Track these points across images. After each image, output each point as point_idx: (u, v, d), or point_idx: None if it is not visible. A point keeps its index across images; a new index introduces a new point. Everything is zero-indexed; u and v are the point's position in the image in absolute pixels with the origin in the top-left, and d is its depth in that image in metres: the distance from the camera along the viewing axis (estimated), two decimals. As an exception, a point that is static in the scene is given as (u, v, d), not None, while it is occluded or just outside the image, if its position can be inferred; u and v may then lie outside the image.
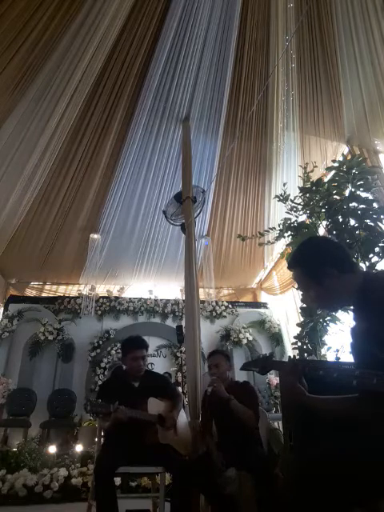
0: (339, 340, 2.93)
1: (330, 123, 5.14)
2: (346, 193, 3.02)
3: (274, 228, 3.44)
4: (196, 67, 4.73)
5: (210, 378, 2.48)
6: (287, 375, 1.30)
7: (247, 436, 2.29)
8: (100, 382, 6.45)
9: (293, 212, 3.31)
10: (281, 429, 2.31)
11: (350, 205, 2.92)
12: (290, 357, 1.46)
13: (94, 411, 2.19)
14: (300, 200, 3.29)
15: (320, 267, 1.29)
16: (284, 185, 3.57)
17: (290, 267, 1.40)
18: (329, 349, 2.98)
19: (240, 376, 2.67)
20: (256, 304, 8.53)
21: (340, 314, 2.84)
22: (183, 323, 3.82)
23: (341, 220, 2.96)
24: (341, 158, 3.19)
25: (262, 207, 6.46)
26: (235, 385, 2.56)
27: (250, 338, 7.52)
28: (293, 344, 3.21)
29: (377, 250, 2.73)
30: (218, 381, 2.39)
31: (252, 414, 2.30)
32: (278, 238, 3.40)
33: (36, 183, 5.44)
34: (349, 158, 3.20)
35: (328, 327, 2.99)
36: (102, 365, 6.78)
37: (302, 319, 3.17)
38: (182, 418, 2.62)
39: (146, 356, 2.58)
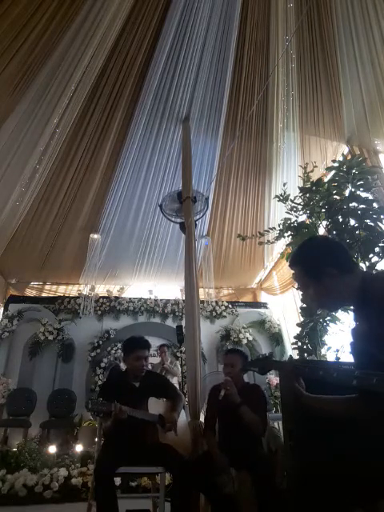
0: (339, 340, 2.93)
1: (330, 123, 5.14)
2: (346, 193, 3.02)
3: (274, 228, 3.44)
4: (196, 67, 4.73)
5: (224, 379, 2.43)
6: (286, 375, 1.31)
7: (248, 436, 2.28)
8: (100, 382, 6.45)
9: (293, 212, 3.31)
10: (281, 429, 2.31)
11: (350, 205, 2.92)
12: (290, 356, 1.48)
13: (95, 409, 2.19)
14: (300, 200, 3.29)
15: (320, 266, 1.29)
16: (284, 185, 3.57)
17: (290, 266, 1.42)
18: (329, 349, 2.97)
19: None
20: (256, 304, 8.53)
21: (340, 314, 2.85)
22: (183, 323, 3.82)
23: (341, 220, 2.96)
24: (341, 158, 3.18)
25: (262, 207, 6.46)
26: (246, 387, 2.54)
27: (250, 338, 7.52)
28: (293, 344, 3.21)
29: (377, 250, 2.73)
30: (231, 384, 2.34)
31: (260, 421, 2.28)
32: (278, 238, 3.40)
33: (36, 183, 5.44)
34: (349, 158, 3.21)
35: (328, 327, 2.99)
36: (102, 365, 6.78)
37: (301, 319, 3.17)
38: (182, 418, 2.62)
39: (148, 356, 2.58)
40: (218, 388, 2.45)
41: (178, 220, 4.41)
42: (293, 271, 1.41)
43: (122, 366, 6.40)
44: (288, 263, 1.46)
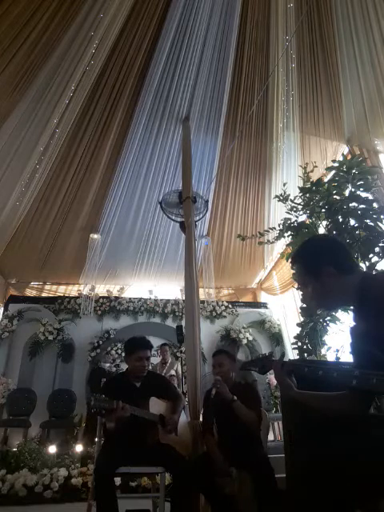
0: (339, 340, 2.93)
1: (330, 123, 5.14)
2: (346, 193, 3.02)
3: (274, 228, 3.44)
4: (196, 67, 4.74)
5: (214, 378, 2.45)
6: (276, 372, 1.35)
7: (248, 436, 2.28)
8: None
9: (293, 212, 3.31)
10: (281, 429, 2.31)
11: (350, 205, 2.92)
12: (282, 354, 1.51)
13: (97, 406, 2.17)
14: (300, 200, 3.29)
15: (319, 264, 1.29)
16: (284, 185, 3.57)
17: (291, 264, 1.43)
18: (329, 349, 2.97)
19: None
20: (256, 304, 8.53)
21: (340, 314, 2.85)
22: (183, 323, 3.82)
23: (341, 220, 2.96)
24: (341, 158, 3.18)
25: (262, 207, 6.46)
26: (238, 385, 2.55)
27: (250, 338, 7.52)
28: (293, 344, 3.21)
29: (377, 250, 2.73)
30: (221, 382, 2.36)
31: (254, 415, 2.29)
32: (278, 238, 3.40)
33: (36, 183, 5.44)
34: (349, 157, 3.20)
35: (328, 327, 2.99)
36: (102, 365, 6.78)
37: (302, 319, 3.17)
38: (182, 418, 2.62)
39: (150, 356, 2.58)
40: (210, 390, 2.46)
41: (178, 219, 4.41)
42: (293, 269, 1.42)
43: (103, 366, 6.43)
44: (289, 261, 1.47)
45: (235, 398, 2.30)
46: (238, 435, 2.29)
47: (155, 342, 6.93)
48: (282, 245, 4.77)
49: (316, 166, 3.51)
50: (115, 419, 2.19)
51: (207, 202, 4.72)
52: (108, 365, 6.58)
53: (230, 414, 2.30)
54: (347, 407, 1.16)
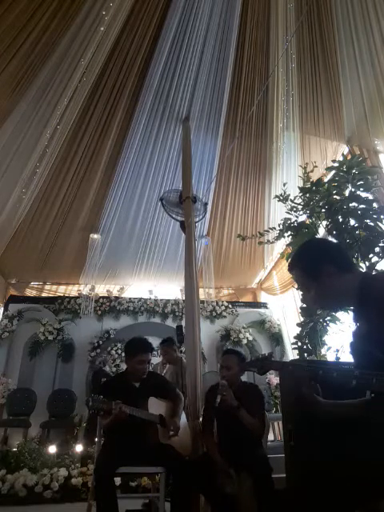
0: (339, 340, 2.93)
1: (330, 123, 5.14)
2: (346, 193, 3.02)
3: (274, 228, 3.44)
4: (196, 67, 4.73)
5: (220, 382, 2.37)
6: (300, 386, 1.23)
7: (248, 437, 2.28)
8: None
9: (293, 212, 3.31)
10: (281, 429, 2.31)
11: (350, 205, 2.92)
12: (301, 360, 1.45)
13: (95, 407, 2.17)
14: (300, 200, 3.29)
15: (318, 265, 1.29)
16: (284, 185, 3.56)
17: (289, 270, 1.40)
18: (329, 349, 2.97)
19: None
20: (256, 304, 8.53)
21: (340, 314, 2.84)
22: (183, 323, 3.82)
23: (341, 220, 2.96)
24: (341, 158, 3.18)
25: (262, 207, 6.46)
26: (243, 387, 2.54)
27: (250, 338, 7.52)
28: (293, 344, 3.21)
29: (377, 250, 2.73)
30: (226, 389, 2.30)
31: (259, 424, 2.28)
32: (278, 238, 3.40)
33: (36, 183, 5.44)
34: (349, 157, 3.20)
35: (328, 327, 2.99)
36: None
37: (301, 319, 3.17)
38: (182, 418, 2.62)
39: (150, 359, 2.57)
40: (213, 390, 2.43)
41: (179, 218, 4.42)
42: (292, 275, 1.40)
43: (107, 370, 6.42)
44: (287, 269, 1.45)
45: (240, 404, 2.27)
46: (238, 435, 2.29)
47: (155, 342, 6.96)
48: (282, 245, 4.77)
49: (316, 166, 3.51)
50: (114, 420, 2.19)
51: (206, 204, 4.73)
52: (108, 368, 6.55)
53: (230, 415, 2.29)
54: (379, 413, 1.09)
